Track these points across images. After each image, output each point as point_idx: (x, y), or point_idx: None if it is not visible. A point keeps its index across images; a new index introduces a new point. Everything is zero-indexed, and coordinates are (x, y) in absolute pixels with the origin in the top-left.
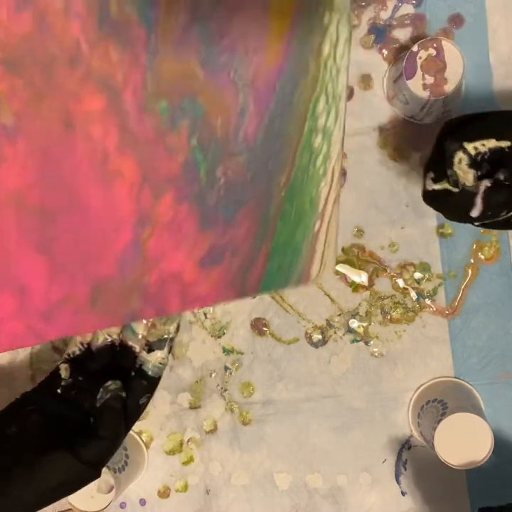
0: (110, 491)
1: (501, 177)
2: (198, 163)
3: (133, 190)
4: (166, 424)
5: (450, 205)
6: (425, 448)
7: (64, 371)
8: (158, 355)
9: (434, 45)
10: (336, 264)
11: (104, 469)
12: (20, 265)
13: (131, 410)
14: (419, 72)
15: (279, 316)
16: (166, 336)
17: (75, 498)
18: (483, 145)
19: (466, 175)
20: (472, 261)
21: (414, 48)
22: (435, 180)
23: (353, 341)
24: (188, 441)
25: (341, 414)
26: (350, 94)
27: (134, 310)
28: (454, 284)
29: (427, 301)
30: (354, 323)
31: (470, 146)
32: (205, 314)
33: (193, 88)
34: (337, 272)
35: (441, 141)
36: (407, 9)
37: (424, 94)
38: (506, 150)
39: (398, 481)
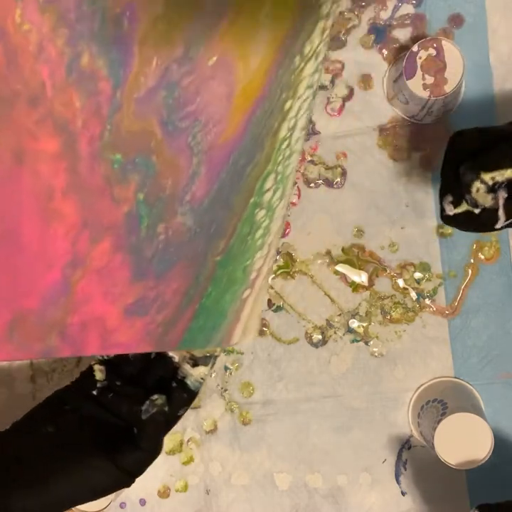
0: None
1: None
2: (141, 217)
3: (71, 233)
4: None
5: (474, 223)
6: (425, 448)
7: (99, 373)
8: (201, 370)
9: (434, 45)
10: (336, 264)
11: None
12: None
13: (169, 421)
14: (419, 72)
15: (279, 316)
16: (210, 354)
17: None
18: (502, 175)
19: (485, 199)
20: (472, 261)
21: (414, 48)
22: (454, 204)
23: (353, 341)
24: (188, 441)
25: (341, 414)
26: (350, 94)
27: (50, 347)
28: (454, 284)
29: (427, 301)
30: (354, 323)
31: (487, 177)
32: None
33: (149, 146)
34: (337, 272)
35: (451, 160)
36: (407, 9)
37: (424, 94)
38: None
39: (398, 481)
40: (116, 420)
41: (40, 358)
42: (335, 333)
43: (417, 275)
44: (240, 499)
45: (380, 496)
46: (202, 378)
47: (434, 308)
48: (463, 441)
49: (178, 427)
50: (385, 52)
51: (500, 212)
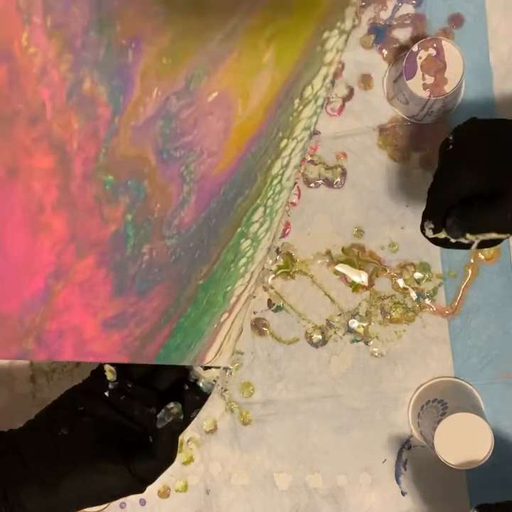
0: None
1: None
2: (127, 237)
3: (58, 246)
4: None
5: (451, 245)
6: (425, 448)
7: (109, 373)
8: (213, 372)
9: (434, 45)
10: (336, 264)
11: None
12: None
13: (182, 425)
14: (419, 72)
15: (279, 316)
16: None
17: None
18: (486, 236)
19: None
20: (472, 261)
21: (414, 48)
22: (434, 231)
23: (353, 341)
24: (188, 441)
25: (341, 414)
26: (350, 94)
27: (26, 350)
28: (454, 284)
29: (427, 301)
30: (354, 323)
31: (472, 237)
32: None
33: (142, 172)
34: (337, 272)
35: (438, 190)
36: (407, 9)
37: (424, 94)
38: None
39: (398, 481)
40: (129, 423)
41: (16, 359)
42: (335, 333)
43: (417, 275)
44: (240, 499)
45: (380, 496)
46: (214, 380)
47: (434, 308)
48: (463, 441)
49: None
50: (385, 52)
51: (475, 243)
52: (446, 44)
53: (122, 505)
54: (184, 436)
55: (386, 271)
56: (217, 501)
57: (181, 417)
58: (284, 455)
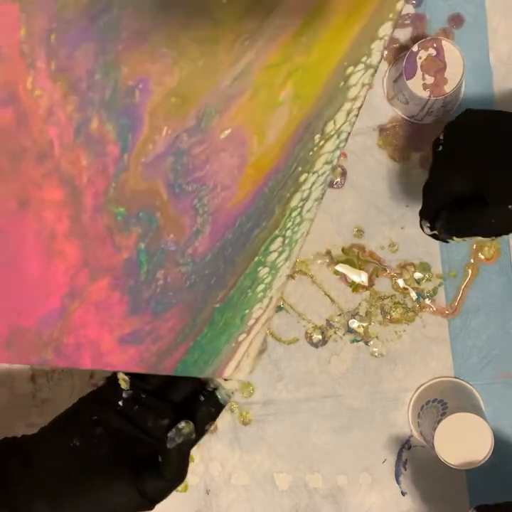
0: None
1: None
2: (140, 263)
3: (71, 270)
4: None
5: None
6: (425, 448)
7: (123, 382)
8: (233, 383)
9: (434, 45)
10: (336, 264)
11: None
12: None
13: (196, 438)
14: (419, 72)
15: (279, 316)
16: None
17: None
18: (473, 238)
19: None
20: (472, 261)
21: (414, 48)
22: (430, 229)
23: (353, 341)
24: None
25: (341, 414)
26: None
27: (45, 359)
28: (454, 284)
29: (427, 301)
30: (354, 323)
31: (459, 239)
32: None
33: (153, 204)
34: (337, 272)
35: (432, 189)
36: (407, 9)
37: (424, 94)
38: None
39: (398, 481)
40: (142, 435)
41: (36, 365)
42: (335, 333)
43: (417, 275)
44: (239, 499)
45: (380, 496)
46: (233, 392)
47: (434, 308)
48: (463, 441)
49: None
50: (385, 52)
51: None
52: (446, 44)
53: None
54: None
55: (386, 271)
56: (217, 501)
57: (193, 436)
58: (284, 455)
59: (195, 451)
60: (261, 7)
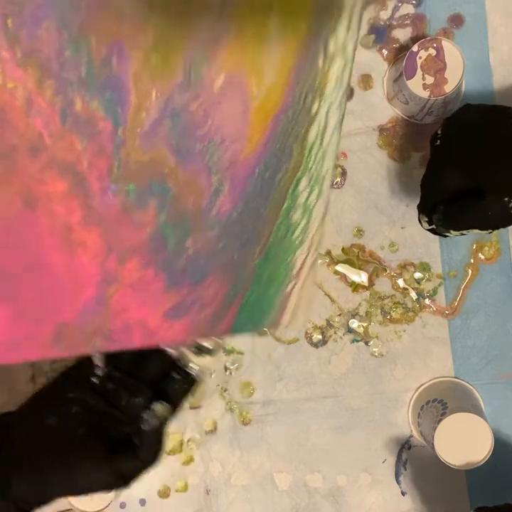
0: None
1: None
2: (166, 236)
3: (97, 258)
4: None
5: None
6: (425, 448)
7: (97, 359)
8: (207, 359)
9: (434, 45)
10: (336, 264)
11: None
12: None
13: (171, 414)
14: (419, 72)
15: None
16: (215, 346)
17: (75, 498)
18: (470, 232)
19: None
20: (472, 261)
21: (414, 48)
22: (428, 223)
23: (353, 341)
24: (188, 441)
25: (341, 414)
26: (350, 94)
27: (97, 347)
28: (454, 284)
29: (427, 301)
30: (354, 323)
31: (456, 233)
32: None
33: (162, 173)
34: (337, 272)
35: (434, 170)
36: (407, 9)
37: (424, 94)
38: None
39: (398, 481)
40: (117, 413)
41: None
42: (335, 333)
43: (417, 275)
44: (240, 499)
45: (380, 496)
46: (207, 368)
47: (434, 308)
48: (463, 441)
49: (178, 427)
50: (385, 52)
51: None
52: (446, 44)
53: (122, 505)
54: (184, 436)
55: (386, 271)
56: (217, 501)
57: (169, 415)
58: (284, 455)
59: (195, 451)
60: None
